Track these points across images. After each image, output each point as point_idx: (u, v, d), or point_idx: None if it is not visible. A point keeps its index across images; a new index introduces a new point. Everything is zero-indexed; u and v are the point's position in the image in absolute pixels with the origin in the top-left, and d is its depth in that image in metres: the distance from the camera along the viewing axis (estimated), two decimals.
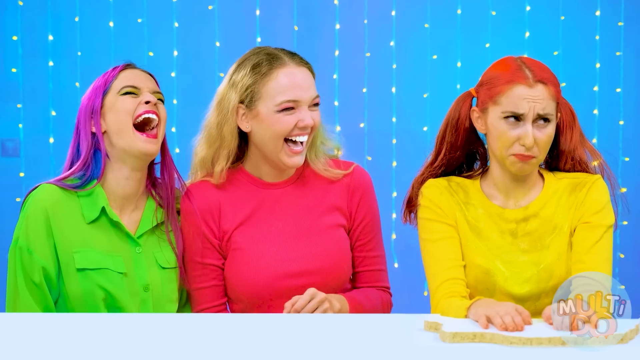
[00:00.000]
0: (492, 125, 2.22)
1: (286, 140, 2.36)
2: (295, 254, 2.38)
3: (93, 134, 2.35)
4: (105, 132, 2.35)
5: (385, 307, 2.47)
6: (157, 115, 2.35)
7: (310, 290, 2.26)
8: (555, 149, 2.31)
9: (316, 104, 2.39)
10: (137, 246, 2.35)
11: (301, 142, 2.37)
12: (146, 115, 2.33)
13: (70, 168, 2.37)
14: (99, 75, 2.40)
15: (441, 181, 2.32)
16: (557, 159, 2.32)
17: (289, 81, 2.35)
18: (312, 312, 2.24)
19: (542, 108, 2.18)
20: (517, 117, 2.18)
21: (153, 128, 2.35)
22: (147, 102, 2.34)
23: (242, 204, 2.41)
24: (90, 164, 2.35)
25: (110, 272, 2.29)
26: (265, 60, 2.36)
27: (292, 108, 2.35)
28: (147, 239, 2.37)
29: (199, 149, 2.43)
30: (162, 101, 2.40)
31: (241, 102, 2.37)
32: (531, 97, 2.17)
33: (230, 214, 2.41)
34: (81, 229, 2.31)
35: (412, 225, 2.38)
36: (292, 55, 2.40)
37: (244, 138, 2.44)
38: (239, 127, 2.39)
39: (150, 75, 2.41)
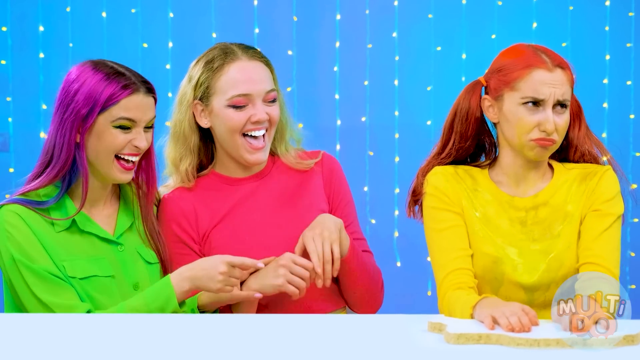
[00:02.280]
0: (510, 112, 2.22)
1: (245, 135, 2.39)
2: (277, 240, 2.38)
3: (75, 144, 2.25)
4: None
5: (379, 277, 2.47)
6: (138, 155, 2.29)
7: (303, 238, 2.30)
8: (564, 140, 2.32)
9: (272, 100, 2.40)
10: (119, 245, 2.32)
11: (263, 136, 2.40)
12: (128, 157, 2.27)
13: (38, 176, 2.27)
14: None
15: (448, 168, 2.33)
16: (566, 150, 2.34)
17: (240, 75, 2.38)
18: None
19: (561, 94, 2.19)
20: (536, 103, 2.19)
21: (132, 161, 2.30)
22: (135, 146, 2.26)
23: (218, 203, 2.43)
24: (67, 176, 2.26)
25: (98, 279, 2.26)
26: (218, 56, 2.40)
27: (244, 105, 2.37)
28: (127, 237, 2.34)
29: (167, 149, 2.46)
30: (152, 127, 2.32)
31: (196, 97, 2.40)
32: (551, 82, 2.19)
33: (207, 215, 2.42)
34: (58, 238, 2.25)
35: (416, 219, 2.39)
36: (247, 49, 2.43)
37: (210, 138, 2.47)
38: (198, 124, 2.42)
39: (154, 97, 2.31)
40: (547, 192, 2.28)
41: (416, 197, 2.36)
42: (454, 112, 2.34)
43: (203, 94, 2.40)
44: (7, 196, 2.30)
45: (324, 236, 2.28)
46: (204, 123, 2.42)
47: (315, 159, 2.51)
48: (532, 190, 2.29)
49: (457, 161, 2.36)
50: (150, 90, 2.29)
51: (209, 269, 2.20)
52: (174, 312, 2.20)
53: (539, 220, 2.27)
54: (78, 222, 2.28)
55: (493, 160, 2.34)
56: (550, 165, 2.33)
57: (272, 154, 2.50)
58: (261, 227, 2.41)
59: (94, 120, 2.23)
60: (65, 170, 2.25)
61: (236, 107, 2.37)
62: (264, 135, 2.40)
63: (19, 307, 2.27)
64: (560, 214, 2.27)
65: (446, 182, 2.31)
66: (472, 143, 2.34)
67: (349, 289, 2.43)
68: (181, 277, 2.22)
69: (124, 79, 2.25)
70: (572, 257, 2.25)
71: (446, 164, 2.34)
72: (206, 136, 2.47)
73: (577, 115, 2.33)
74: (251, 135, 2.38)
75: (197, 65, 2.42)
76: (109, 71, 2.25)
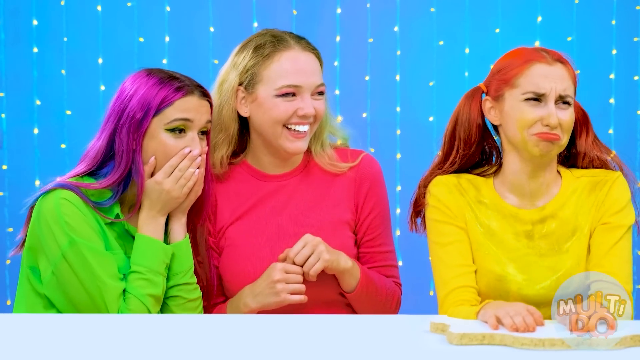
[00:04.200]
0: (512, 108, 2.21)
1: (286, 126, 2.37)
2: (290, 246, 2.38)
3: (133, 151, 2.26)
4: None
5: (394, 300, 2.46)
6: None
7: (305, 237, 2.30)
8: (573, 148, 2.31)
9: (321, 93, 2.39)
10: None
11: (304, 130, 2.38)
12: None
13: (92, 174, 2.28)
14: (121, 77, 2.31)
15: (450, 179, 2.31)
16: (574, 157, 2.33)
17: (291, 65, 2.36)
18: (307, 258, 2.28)
19: (563, 88, 2.19)
20: (538, 98, 2.18)
21: None
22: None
23: (241, 198, 2.42)
24: (122, 184, 2.27)
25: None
26: (269, 42, 2.38)
27: (293, 94, 2.36)
28: None
29: None
30: (208, 131, 2.33)
31: (241, 84, 2.38)
32: (552, 76, 2.18)
33: (227, 209, 2.42)
34: (105, 232, 2.27)
35: (418, 233, 2.37)
36: (299, 39, 2.41)
37: (246, 127, 2.45)
38: (238, 113, 2.40)
39: (209, 101, 2.31)
40: (555, 203, 2.26)
41: (418, 209, 2.34)
42: (454, 120, 2.32)
43: (248, 81, 2.37)
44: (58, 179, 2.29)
45: (318, 250, 2.29)
46: (244, 111, 2.40)
47: (352, 162, 2.47)
48: (540, 201, 2.27)
49: (461, 170, 2.33)
50: (204, 94, 2.30)
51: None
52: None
53: (547, 234, 2.25)
54: (123, 224, 2.29)
55: (498, 168, 2.33)
56: (558, 172, 2.31)
57: (307, 151, 2.47)
58: (279, 231, 2.41)
59: (149, 124, 2.24)
60: (125, 175, 2.26)
61: (285, 97, 2.35)
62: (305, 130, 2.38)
63: (39, 307, 2.26)
64: (569, 228, 2.25)
65: (449, 193, 2.29)
66: (477, 149, 2.32)
67: (358, 311, 2.43)
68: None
69: (177, 82, 2.28)
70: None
71: (450, 173, 2.33)
72: (242, 126, 2.44)
73: (583, 124, 2.31)
74: (294, 129, 2.37)
75: (244, 50, 2.39)
76: (162, 76, 2.29)
